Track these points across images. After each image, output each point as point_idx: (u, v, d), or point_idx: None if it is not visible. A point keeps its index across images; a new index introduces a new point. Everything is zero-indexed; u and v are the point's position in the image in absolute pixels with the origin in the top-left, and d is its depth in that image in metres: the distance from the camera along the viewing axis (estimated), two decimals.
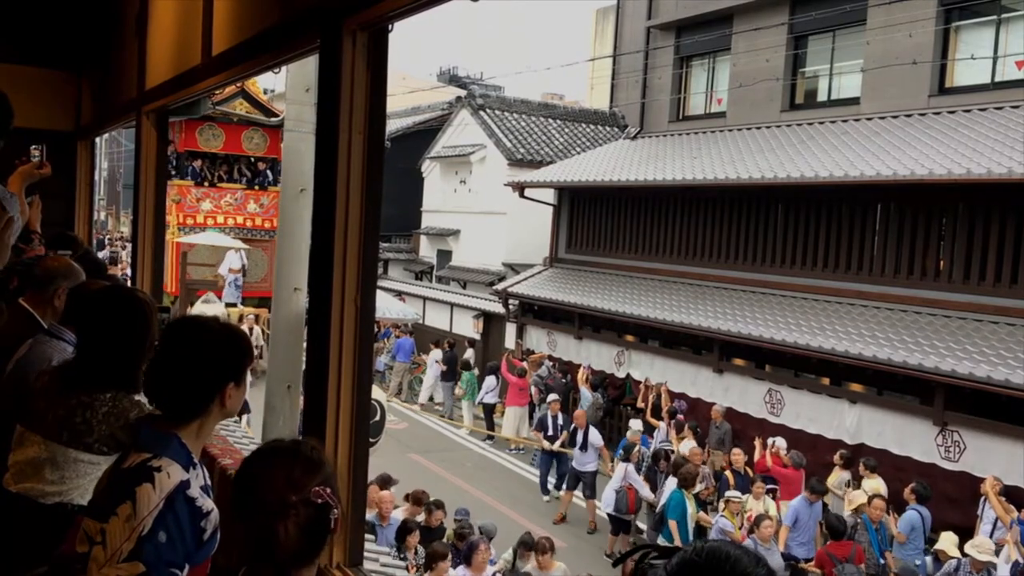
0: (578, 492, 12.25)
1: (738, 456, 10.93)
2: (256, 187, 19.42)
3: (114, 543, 1.69)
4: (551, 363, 16.18)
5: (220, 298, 16.77)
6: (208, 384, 1.88)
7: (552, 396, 13.96)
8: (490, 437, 16.23)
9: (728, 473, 10.78)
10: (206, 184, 18.68)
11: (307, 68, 8.39)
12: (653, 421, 13.06)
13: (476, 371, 17.62)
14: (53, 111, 6.74)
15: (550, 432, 13.05)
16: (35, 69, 6.57)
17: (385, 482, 8.72)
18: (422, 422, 17.36)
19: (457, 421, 17.44)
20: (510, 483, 13.84)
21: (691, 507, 9.56)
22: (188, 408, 1.88)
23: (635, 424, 12.55)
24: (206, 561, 1.89)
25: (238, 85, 16.58)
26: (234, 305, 17.24)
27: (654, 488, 10.83)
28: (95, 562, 1.71)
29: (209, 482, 1.93)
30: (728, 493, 9.94)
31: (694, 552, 1.16)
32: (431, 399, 18.85)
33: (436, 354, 18.52)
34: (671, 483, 9.88)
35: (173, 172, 17.88)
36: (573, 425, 12.52)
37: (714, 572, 1.13)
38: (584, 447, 12.07)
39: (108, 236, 37.47)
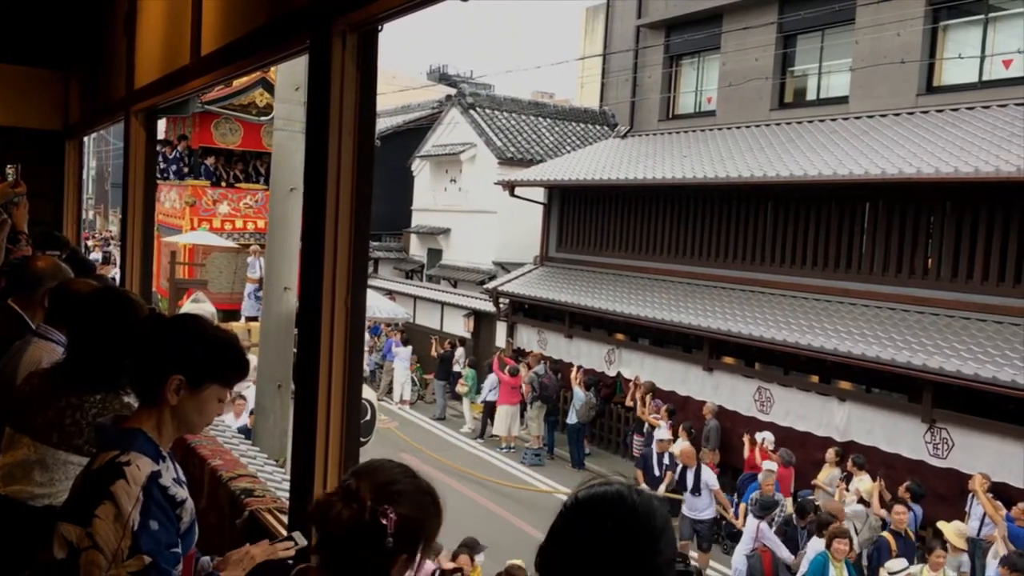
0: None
1: (901, 515, 8.80)
2: None
3: (110, 544, 1.69)
4: (544, 362, 16.20)
5: (240, 310, 15.47)
6: (151, 373, 1.88)
7: (661, 434, 11.97)
8: (480, 436, 16.27)
9: (888, 536, 8.72)
10: (223, 184, 16.87)
11: (296, 67, 8.38)
12: (652, 421, 12.94)
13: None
14: (41, 110, 6.71)
15: (656, 472, 11.33)
16: (22, 68, 6.54)
17: (472, 548, 7.20)
18: (412, 421, 17.36)
19: (449, 424, 17.44)
20: (507, 484, 13.80)
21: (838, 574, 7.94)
22: (143, 400, 1.91)
23: (767, 463, 10.50)
24: (189, 553, 1.89)
25: (259, 73, 15.09)
26: (255, 319, 14.78)
27: (794, 549, 9.07)
28: (96, 567, 1.70)
29: (183, 476, 1.93)
30: (891, 563, 8.03)
31: (575, 500, 1.16)
32: (420, 398, 18.90)
33: (405, 351, 18.58)
34: (816, 544, 8.36)
35: (187, 171, 16.60)
36: (680, 465, 10.86)
37: (594, 508, 1.13)
38: (696, 490, 10.44)
39: (100, 234, 37.30)
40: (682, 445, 11.67)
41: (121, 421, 1.91)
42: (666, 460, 11.33)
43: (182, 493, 1.85)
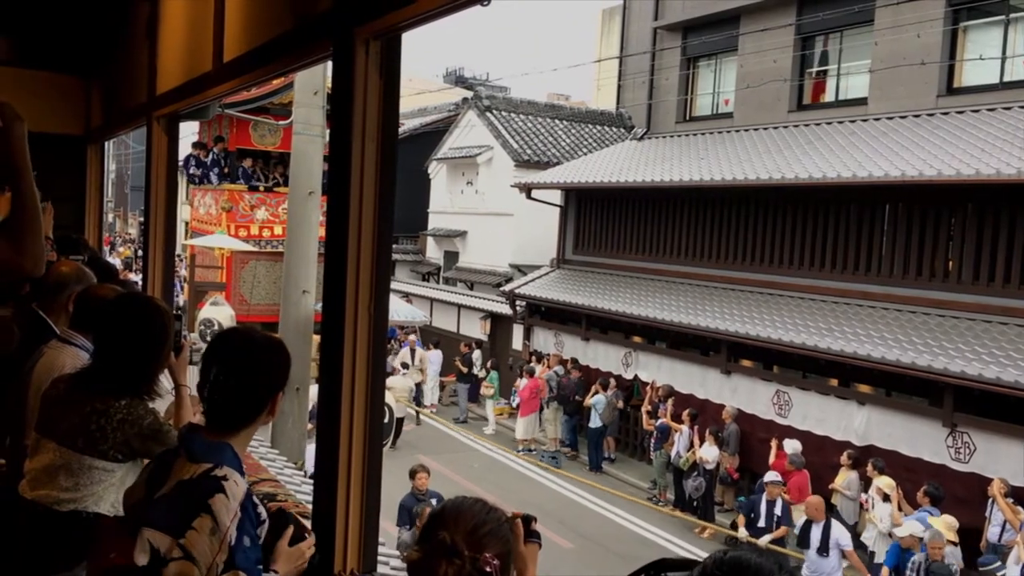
0: None
1: None
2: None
3: (205, 558, 1.71)
4: (564, 363, 16.14)
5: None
6: (261, 393, 1.93)
7: (772, 476, 10.39)
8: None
9: None
10: (261, 189, 16.08)
11: (315, 71, 8.43)
12: (675, 426, 12.83)
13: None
14: (63, 115, 6.77)
15: (761, 523, 9.95)
16: (44, 73, 6.60)
17: None
18: (429, 423, 17.38)
19: (470, 426, 17.45)
20: (522, 486, 13.77)
21: None
22: (242, 418, 1.92)
23: (883, 509, 9.12)
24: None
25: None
26: None
27: None
28: None
29: None
30: None
31: (715, 563, 1.16)
32: (439, 401, 18.90)
33: (435, 355, 18.56)
34: None
35: (226, 174, 15.97)
36: (804, 518, 9.17)
37: (735, 571, 1.14)
38: (824, 550, 8.76)
39: (121, 236, 37.61)
40: (713, 452, 11.51)
41: (205, 432, 1.91)
42: (777, 510, 9.94)
43: (264, 512, 1.88)
